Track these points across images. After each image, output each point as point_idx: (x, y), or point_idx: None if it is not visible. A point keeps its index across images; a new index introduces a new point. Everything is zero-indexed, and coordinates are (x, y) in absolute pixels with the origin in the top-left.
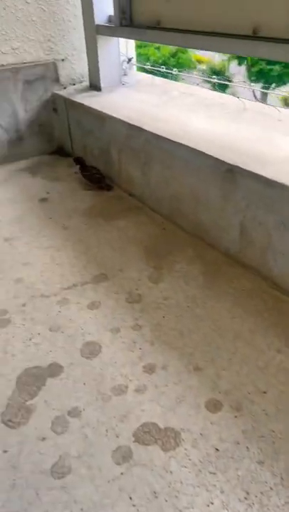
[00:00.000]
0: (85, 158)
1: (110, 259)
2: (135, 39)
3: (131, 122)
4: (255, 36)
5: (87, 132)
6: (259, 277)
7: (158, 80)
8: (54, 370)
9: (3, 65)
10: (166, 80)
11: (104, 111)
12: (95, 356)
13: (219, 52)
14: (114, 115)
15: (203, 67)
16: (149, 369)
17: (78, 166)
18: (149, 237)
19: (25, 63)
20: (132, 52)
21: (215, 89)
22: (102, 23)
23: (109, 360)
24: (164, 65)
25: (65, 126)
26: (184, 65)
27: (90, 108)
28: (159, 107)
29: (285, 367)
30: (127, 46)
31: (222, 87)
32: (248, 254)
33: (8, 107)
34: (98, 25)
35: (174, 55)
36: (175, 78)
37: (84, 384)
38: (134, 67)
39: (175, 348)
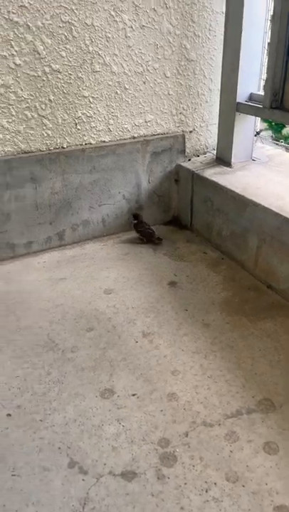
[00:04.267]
0: (208, 235)
1: (270, 378)
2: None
3: (287, 216)
4: None
5: (217, 211)
6: None
7: None
8: None
9: (134, 137)
10: None
11: (248, 196)
12: None
13: None
14: (262, 203)
15: None
16: None
17: (135, 222)
18: None
19: (154, 135)
20: (260, 125)
21: None
22: (243, 101)
23: None
24: None
25: (187, 199)
26: None
27: (226, 189)
28: None
29: None
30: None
31: None
32: None
33: (133, 179)
34: (239, 103)
35: None
36: None
37: None
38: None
39: None
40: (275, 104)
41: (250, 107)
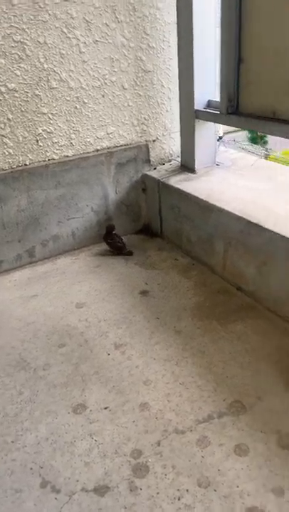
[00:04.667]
0: (179, 242)
1: (241, 380)
2: (244, 128)
3: (249, 219)
4: None
5: (184, 218)
6: None
7: (254, 159)
8: None
9: (97, 150)
10: (263, 161)
11: (211, 201)
12: None
13: None
14: (225, 208)
15: None
16: None
17: (104, 233)
18: (277, 350)
19: (118, 147)
20: (221, 130)
21: None
22: (202, 108)
23: None
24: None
25: (156, 207)
26: None
27: (191, 196)
28: (273, 199)
29: None
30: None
31: None
32: None
33: (100, 191)
34: (198, 110)
35: None
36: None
37: None
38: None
39: None
40: (231, 110)
41: (208, 114)
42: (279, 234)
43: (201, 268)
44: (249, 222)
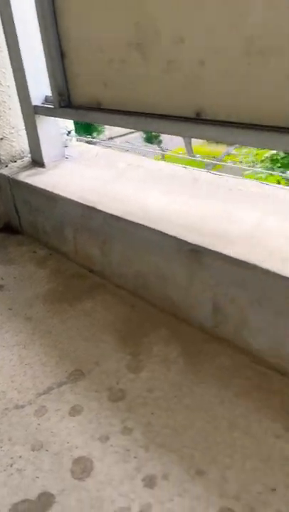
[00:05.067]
0: (36, 235)
1: (84, 351)
2: (76, 120)
3: (86, 203)
4: (198, 119)
5: (36, 210)
6: (239, 353)
7: (100, 150)
8: (45, 501)
9: None
10: (109, 150)
11: (56, 191)
12: (88, 476)
13: (162, 133)
14: (68, 196)
15: None
16: (150, 481)
17: None
18: (120, 319)
19: None
20: (71, 125)
21: None
22: (40, 104)
23: (104, 478)
24: None
25: (11, 204)
26: None
27: (39, 189)
28: (111, 183)
29: (287, 455)
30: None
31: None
32: (224, 329)
33: None
34: (36, 106)
35: None
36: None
37: None
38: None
39: (173, 451)
40: (63, 104)
41: (45, 109)
42: (108, 213)
43: (57, 257)
44: (87, 207)
